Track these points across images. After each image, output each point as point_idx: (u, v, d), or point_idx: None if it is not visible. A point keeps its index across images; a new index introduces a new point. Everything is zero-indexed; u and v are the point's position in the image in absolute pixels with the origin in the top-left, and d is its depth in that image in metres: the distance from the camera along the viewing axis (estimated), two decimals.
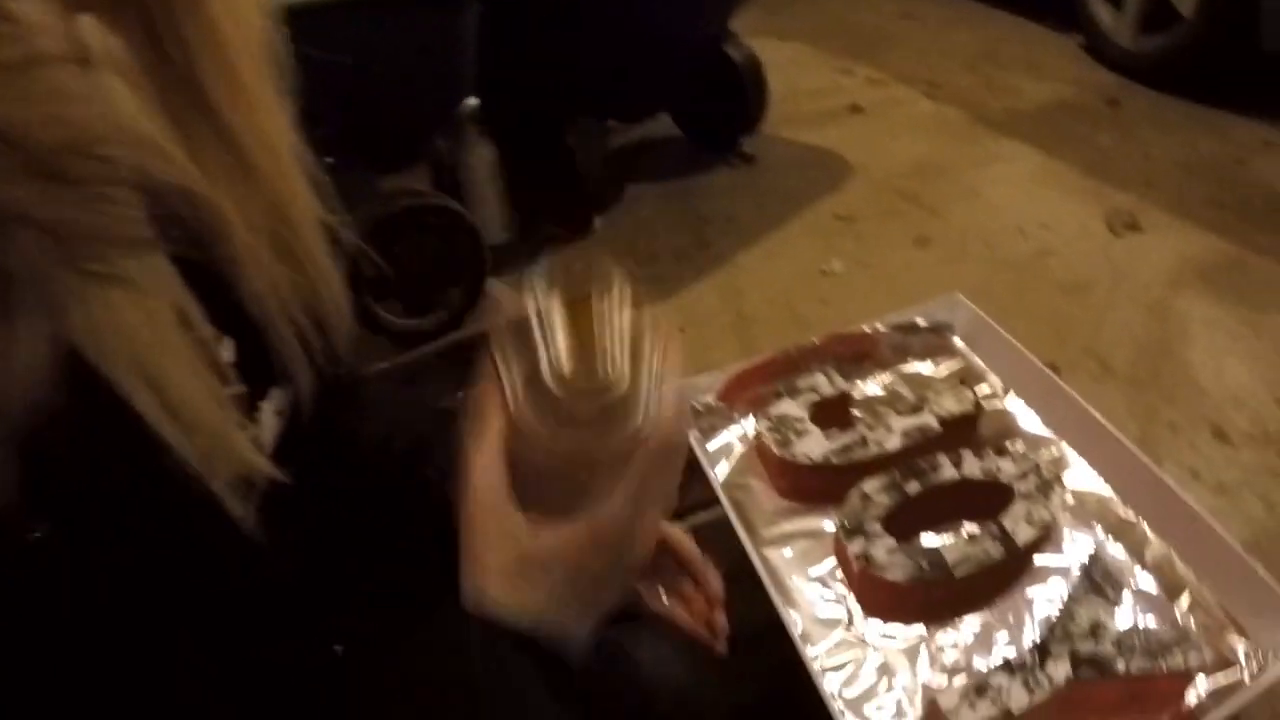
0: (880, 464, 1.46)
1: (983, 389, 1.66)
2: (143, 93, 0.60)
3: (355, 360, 0.93)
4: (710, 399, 1.65)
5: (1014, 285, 2.46)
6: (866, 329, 1.74)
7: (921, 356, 1.77)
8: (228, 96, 0.64)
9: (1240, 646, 1.33)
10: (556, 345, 0.66)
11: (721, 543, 1.32)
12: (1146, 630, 1.28)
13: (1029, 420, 1.65)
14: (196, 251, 0.64)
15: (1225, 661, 1.30)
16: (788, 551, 1.45)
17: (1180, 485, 1.44)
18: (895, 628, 1.35)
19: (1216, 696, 1.27)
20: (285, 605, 0.72)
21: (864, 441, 1.49)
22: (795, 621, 1.35)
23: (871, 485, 1.41)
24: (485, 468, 0.69)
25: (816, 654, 1.32)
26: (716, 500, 1.53)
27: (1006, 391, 1.70)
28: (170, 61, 0.61)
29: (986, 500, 1.41)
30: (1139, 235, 2.61)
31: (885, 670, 1.31)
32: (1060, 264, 2.53)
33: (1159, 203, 2.75)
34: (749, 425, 1.62)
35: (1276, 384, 2.12)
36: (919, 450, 1.48)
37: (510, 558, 0.68)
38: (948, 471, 1.43)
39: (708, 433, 1.63)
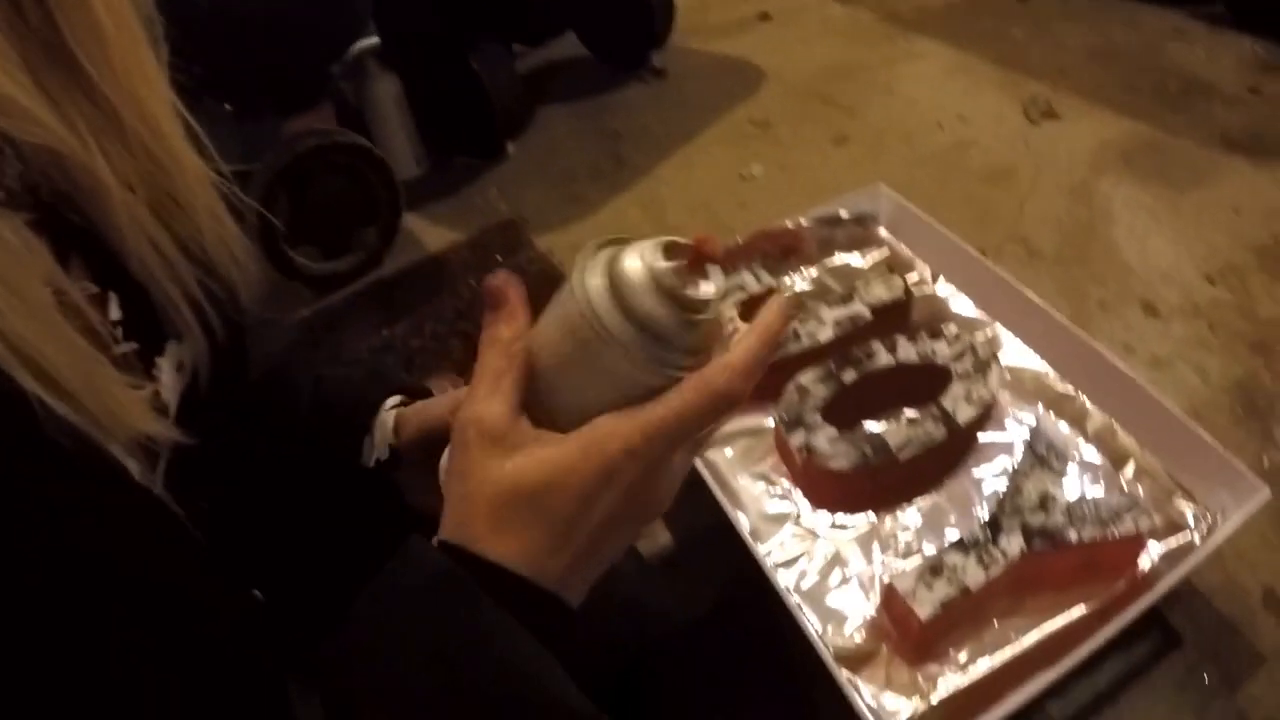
0: (815, 356, 1.44)
1: (912, 276, 1.65)
2: (1, 53, 0.55)
3: (274, 310, 0.90)
4: None
5: (935, 177, 2.44)
6: (790, 224, 1.72)
7: (847, 248, 1.75)
8: (95, 52, 0.60)
9: (1189, 510, 1.33)
10: (656, 254, 0.57)
11: None
12: (1095, 499, 1.28)
13: (961, 304, 1.63)
14: (72, 212, 0.62)
15: (1175, 526, 1.31)
16: (729, 451, 1.43)
17: (1123, 365, 1.43)
18: (844, 517, 1.33)
19: (1169, 560, 1.27)
20: (205, 567, 0.66)
21: (796, 335, 1.47)
22: (743, 521, 1.32)
23: (808, 377, 1.39)
24: (493, 373, 0.60)
25: (768, 551, 1.30)
26: None
27: (936, 277, 1.68)
28: (27, 17, 0.57)
29: (925, 383, 1.39)
30: (1057, 123, 2.59)
31: (838, 560, 1.29)
32: (980, 154, 2.51)
33: (1075, 90, 2.73)
34: None
35: (1202, 258, 2.11)
36: (852, 339, 1.46)
37: (502, 488, 0.58)
38: (883, 358, 1.41)
39: None
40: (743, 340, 0.60)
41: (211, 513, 0.69)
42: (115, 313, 0.66)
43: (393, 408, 0.96)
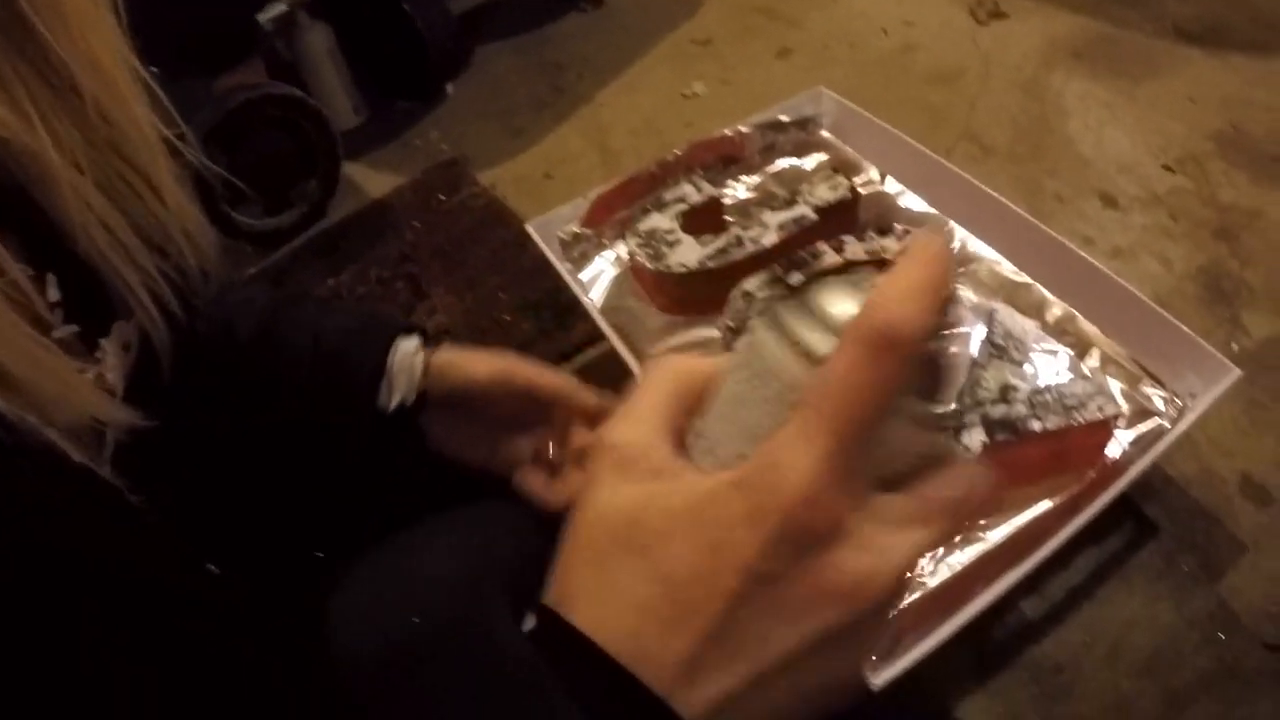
0: (759, 261, 1.38)
1: (859, 178, 1.60)
2: None
3: (225, 274, 0.89)
4: (575, 227, 1.54)
5: (881, 82, 2.38)
6: (729, 132, 1.65)
7: (790, 153, 1.69)
8: (51, 18, 0.58)
9: (1157, 395, 1.29)
10: None
11: (610, 378, 1.23)
12: (1058, 387, 1.22)
13: (910, 201, 1.59)
14: (8, 193, 0.59)
15: (1144, 412, 1.27)
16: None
17: (1081, 251, 1.39)
18: None
19: (1139, 446, 1.23)
20: (155, 548, 0.63)
21: (739, 242, 1.40)
22: None
23: (752, 283, 1.31)
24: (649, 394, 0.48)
25: None
26: (599, 336, 1.44)
27: (884, 177, 1.63)
28: None
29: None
30: (1004, 21, 2.53)
31: None
32: (927, 57, 2.45)
33: None
34: (621, 249, 1.53)
35: (1159, 148, 2.07)
36: (798, 242, 1.39)
37: (613, 523, 0.43)
38: (830, 258, 1.33)
39: (579, 262, 1.54)
40: (896, 267, 0.42)
41: (178, 492, 0.67)
42: (54, 294, 0.64)
43: (415, 352, 0.96)
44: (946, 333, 0.43)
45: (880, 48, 2.50)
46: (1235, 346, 1.64)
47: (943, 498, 0.41)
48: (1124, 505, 1.42)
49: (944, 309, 0.41)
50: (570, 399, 0.99)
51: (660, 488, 0.42)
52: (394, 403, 0.94)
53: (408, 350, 0.96)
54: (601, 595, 0.41)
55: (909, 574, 0.40)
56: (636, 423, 0.46)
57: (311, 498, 0.98)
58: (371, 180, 2.32)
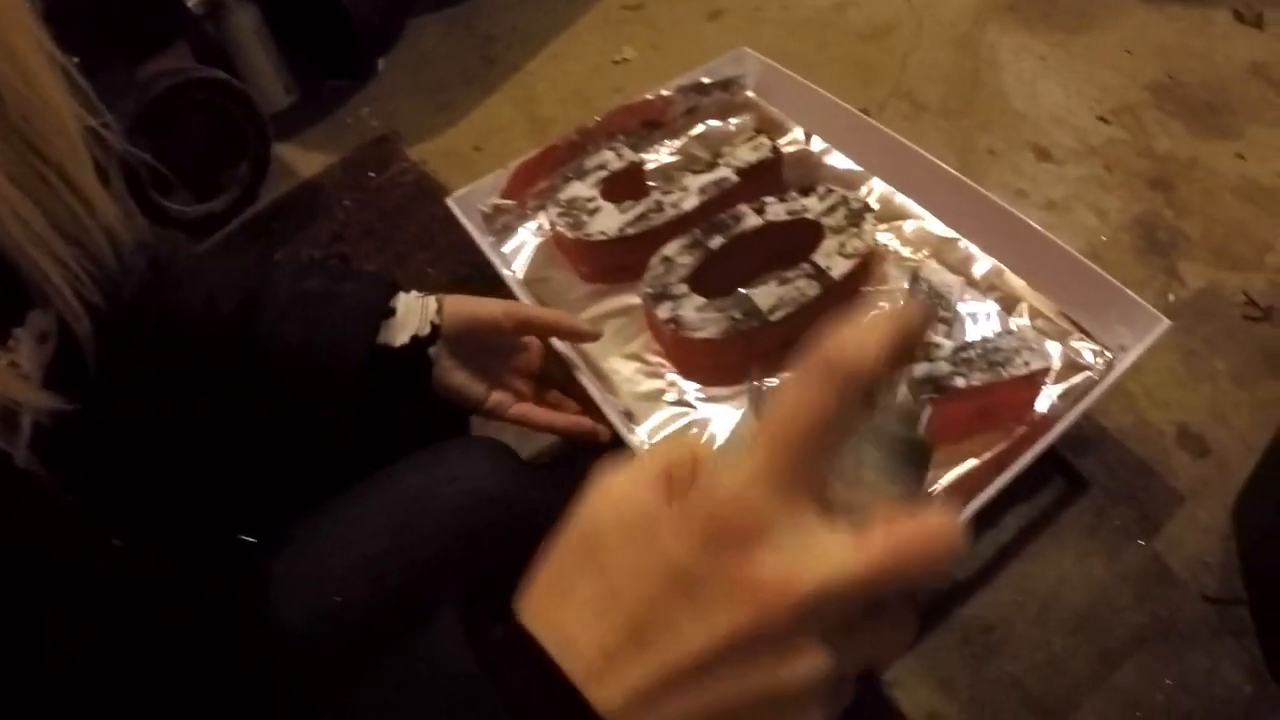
0: (680, 225, 1.36)
1: (785, 138, 1.57)
2: None
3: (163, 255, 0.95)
4: (497, 199, 1.51)
5: (813, 40, 2.35)
6: (651, 96, 1.62)
7: (714, 115, 1.66)
8: None
9: (1086, 348, 1.27)
10: None
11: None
12: (984, 342, 1.20)
13: (836, 160, 1.56)
14: None
15: (1074, 365, 1.26)
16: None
17: (1008, 206, 1.37)
18: (722, 390, 1.26)
19: (1068, 399, 1.21)
20: (74, 532, 0.63)
21: (660, 207, 1.38)
22: (614, 404, 1.24)
23: (672, 248, 1.31)
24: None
25: (643, 432, 1.22)
26: None
27: (810, 137, 1.60)
28: None
29: (796, 241, 1.32)
30: None
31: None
32: (859, 15, 2.42)
33: None
34: (543, 219, 1.50)
35: (1094, 99, 2.07)
36: (719, 205, 1.38)
37: (572, 529, 0.44)
38: (751, 220, 1.33)
39: (502, 234, 1.52)
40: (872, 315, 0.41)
41: (97, 475, 0.67)
42: None
43: (420, 297, 1.05)
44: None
45: (813, 6, 2.47)
46: (1172, 297, 1.64)
47: (887, 531, 0.39)
48: (1055, 461, 1.41)
49: (905, 359, 0.41)
50: (561, 325, 1.15)
51: (630, 502, 0.42)
52: (407, 336, 1.02)
53: (412, 296, 1.05)
54: (550, 590, 0.43)
55: (845, 672, 0.40)
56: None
57: (248, 478, 0.99)
58: (303, 160, 2.29)
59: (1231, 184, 1.86)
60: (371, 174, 2.20)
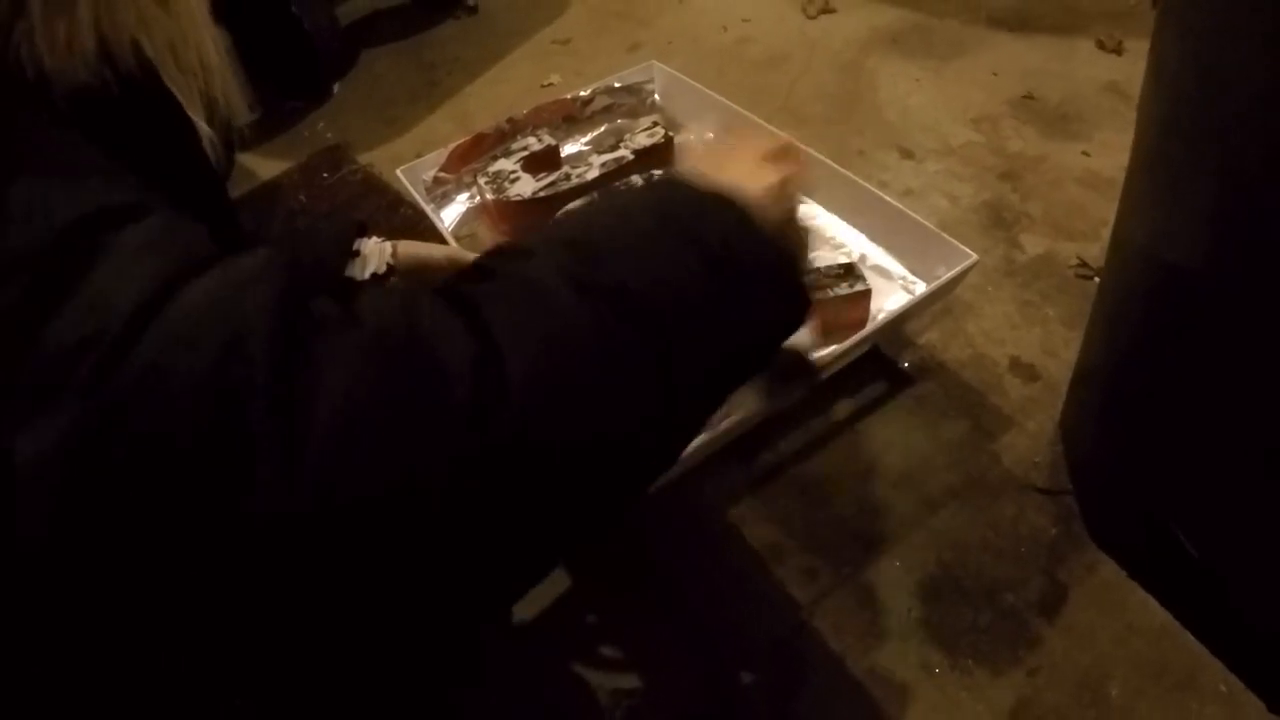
0: (582, 191, 1.65)
1: (680, 135, 1.86)
2: None
3: None
4: (437, 172, 1.80)
5: (716, 68, 2.64)
6: (569, 96, 1.92)
7: (625, 115, 1.96)
8: None
9: (911, 279, 1.55)
10: None
11: None
12: (818, 269, 1.48)
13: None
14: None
15: (902, 291, 1.53)
16: None
17: (860, 180, 1.70)
18: None
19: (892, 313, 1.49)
20: None
21: (568, 177, 1.67)
22: None
23: (573, 205, 1.59)
24: None
25: None
26: None
27: (702, 133, 1.89)
28: None
29: None
30: (832, 16, 2.80)
31: None
32: (759, 48, 2.73)
33: None
34: (474, 191, 1.79)
35: (959, 111, 2.36)
36: (615, 176, 1.66)
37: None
38: (638, 184, 1.61)
39: (440, 202, 1.80)
40: None
41: None
42: None
43: (381, 241, 1.31)
44: None
45: (719, 41, 2.79)
46: (1013, 261, 1.91)
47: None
48: (886, 367, 1.69)
49: None
50: None
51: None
52: (368, 273, 1.26)
53: (373, 241, 1.30)
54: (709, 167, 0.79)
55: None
56: None
57: None
58: (263, 167, 2.52)
59: (1076, 175, 2.12)
60: (324, 174, 2.43)
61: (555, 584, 1.42)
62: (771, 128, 1.82)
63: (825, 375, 1.45)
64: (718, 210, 0.70)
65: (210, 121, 0.82)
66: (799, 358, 1.01)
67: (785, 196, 0.79)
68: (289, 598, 0.51)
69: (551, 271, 0.62)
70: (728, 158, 0.82)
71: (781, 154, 0.83)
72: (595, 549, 1.44)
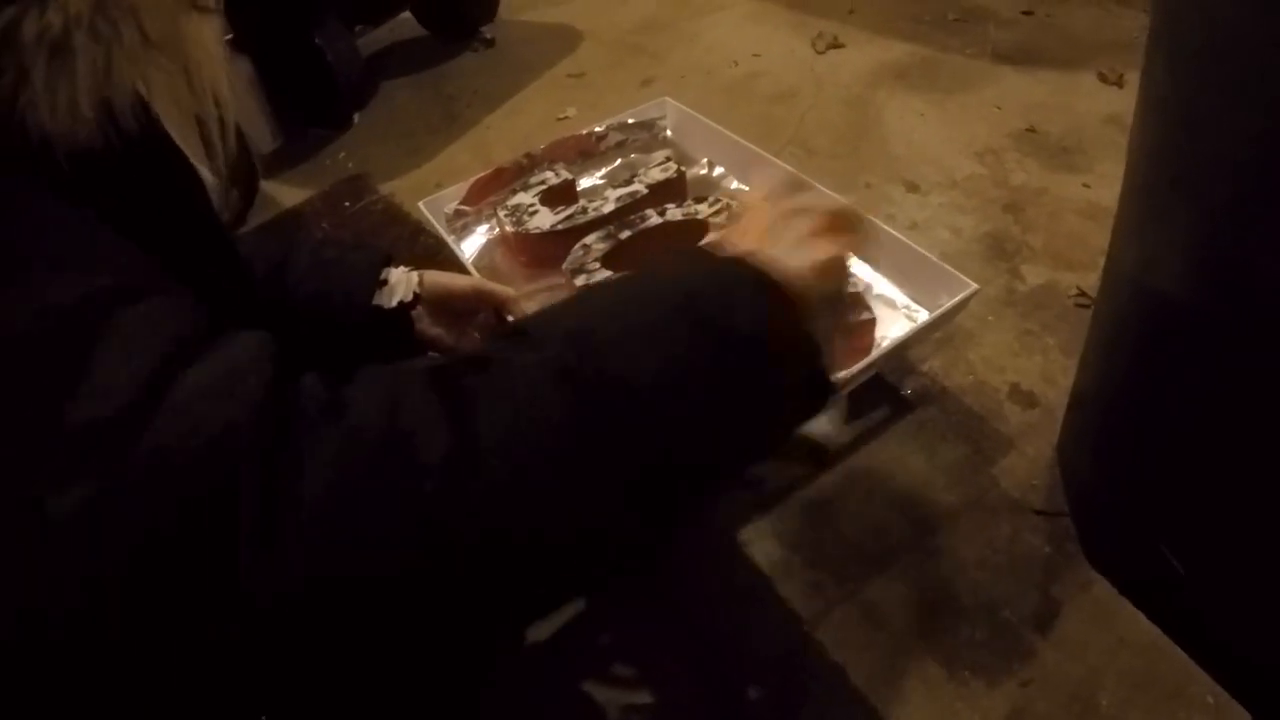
0: (598, 224, 1.71)
1: (693, 169, 1.94)
2: None
3: None
4: (458, 205, 1.87)
5: (726, 102, 2.72)
6: (585, 131, 1.99)
7: (639, 150, 2.05)
8: None
9: (915, 308, 1.61)
10: None
11: None
12: None
13: (731, 183, 1.93)
14: None
15: (905, 321, 1.59)
16: (530, 307, 1.67)
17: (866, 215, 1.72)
18: None
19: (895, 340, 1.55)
20: None
21: (584, 210, 1.74)
22: None
23: (591, 238, 1.66)
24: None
25: None
26: None
27: (713, 167, 1.97)
28: None
29: (688, 235, 1.67)
30: (841, 51, 2.89)
31: None
32: (768, 82, 2.81)
33: (862, 25, 3.03)
34: (494, 222, 1.86)
35: (964, 144, 2.42)
36: (631, 210, 1.73)
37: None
38: (654, 219, 1.68)
39: (461, 233, 1.87)
40: None
41: None
42: None
43: (408, 271, 1.33)
44: None
45: (730, 75, 2.88)
46: (1014, 290, 1.96)
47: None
48: (887, 392, 1.75)
49: None
50: (508, 300, 1.41)
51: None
52: (395, 301, 1.30)
53: (400, 270, 1.33)
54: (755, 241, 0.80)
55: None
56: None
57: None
58: (286, 194, 2.61)
59: (1077, 207, 2.16)
60: (347, 203, 2.51)
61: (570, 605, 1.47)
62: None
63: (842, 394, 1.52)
64: (745, 296, 0.71)
65: (217, 167, 0.82)
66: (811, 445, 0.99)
67: (835, 273, 0.80)
68: (277, 667, 0.57)
69: (547, 366, 0.64)
70: (783, 224, 0.82)
71: (843, 222, 0.83)
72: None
